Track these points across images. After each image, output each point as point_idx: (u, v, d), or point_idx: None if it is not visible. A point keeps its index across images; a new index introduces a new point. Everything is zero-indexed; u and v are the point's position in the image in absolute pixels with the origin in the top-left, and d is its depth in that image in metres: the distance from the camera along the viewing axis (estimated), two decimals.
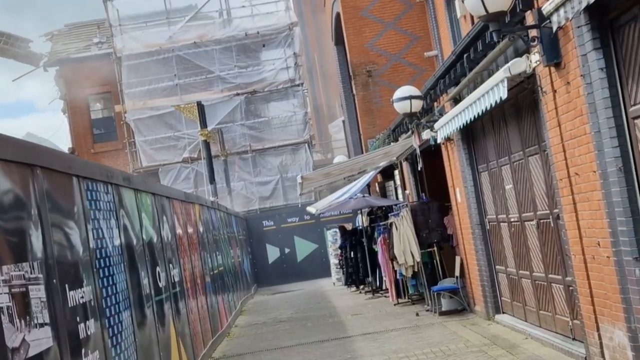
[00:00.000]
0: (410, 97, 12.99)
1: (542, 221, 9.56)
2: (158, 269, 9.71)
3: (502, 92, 8.34)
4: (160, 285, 9.72)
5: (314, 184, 17.10)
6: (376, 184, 23.50)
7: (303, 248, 29.01)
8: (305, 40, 41.95)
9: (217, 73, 30.52)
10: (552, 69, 7.83)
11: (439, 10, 22.57)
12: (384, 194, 21.97)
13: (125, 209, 8.33)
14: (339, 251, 22.86)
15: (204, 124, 23.93)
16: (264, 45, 30.91)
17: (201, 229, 14.89)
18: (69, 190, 6.37)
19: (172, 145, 30.74)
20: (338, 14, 25.62)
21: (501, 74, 8.35)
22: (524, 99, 9.43)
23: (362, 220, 22.29)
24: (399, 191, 19.63)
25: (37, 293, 5.20)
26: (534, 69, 8.34)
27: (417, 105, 13.15)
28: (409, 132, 14.60)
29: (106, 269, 7.07)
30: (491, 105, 8.87)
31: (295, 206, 29.57)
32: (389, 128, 18.75)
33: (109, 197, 7.66)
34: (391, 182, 20.97)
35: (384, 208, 19.34)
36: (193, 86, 30.29)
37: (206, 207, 16.28)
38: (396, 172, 19.63)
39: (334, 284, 24.59)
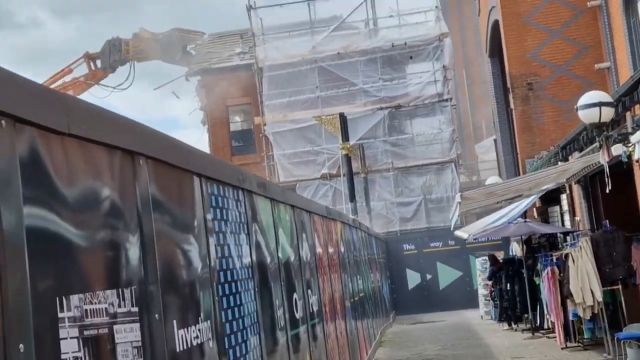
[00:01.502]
0: (600, 104, 10.80)
1: None
2: (295, 295, 8.03)
3: None
4: (297, 316, 8.04)
5: (474, 205, 15.10)
6: (534, 209, 21.08)
7: (446, 275, 26.89)
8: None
9: (360, 85, 29.00)
10: None
11: (614, 17, 20.07)
12: (545, 220, 19.57)
13: (258, 222, 6.70)
14: (490, 282, 20.60)
15: (345, 137, 22.37)
16: (411, 57, 29.14)
17: (342, 250, 13.19)
18: (186, 191, 4.77)
19: (311, 160, 29.43)
20: (496, 22, 23.47)
21: None
22: None
23: (517, 249, 20.01)
24: (566, 217, 17.24)
25: (128, 335, 3.56)
26: None
27: (608, 114, 10.95)
28: (592, 147, 12.36)
29: (232, 298, 5.42)
30: None
31: (439, 230, 27.53)
32: (557, 145, 16.47)
33: (239, 205, 6.05)
34: (555, 208, 18.57)
35: (547, 237, 17.02)
36: (335, 99, 28.88)
37: (348, 226, 14.59)
38: (563, 195, 17.27)
39: (481, 317, 22.30)
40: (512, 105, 22.47)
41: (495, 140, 27.87)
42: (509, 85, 22.38)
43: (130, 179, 3.82)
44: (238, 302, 5.59)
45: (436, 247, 27.23)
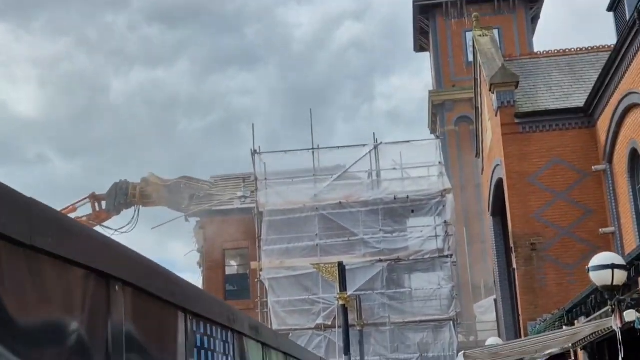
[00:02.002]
0: (613, 267, 10.33)
1: None
2: None
3: None
4: None
5: None
6: None
7: None
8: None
9: (360, 236, 28.65)
10: None
11: (619, 182, 20.01)
12: None
13: None
14: None
15: (343, 287, 21.73)
16: (412, 211, 28.97)
17: None
18: (168, 328, 4.23)
19: (306, 309, 28.62)
20: (499, 180, 23.45)
21: None
22: None
23: None
24: None
25: None
26: None
27: (621, 277, 10.46)
28: (601, 312, 11.78)
29: None
30: None
31: None
32: (562, 308, 15.88)
33: (227, 348, 5.47)
34: None
35: None
36: (334, 248, 28.46)
37: None
38: None
39: None
40: (514, 265, 22.02)
41: (495, 300, 27.21)
42: (511, 244, 22.02)
43: (103, 308, 3.30)
44: None
45: None
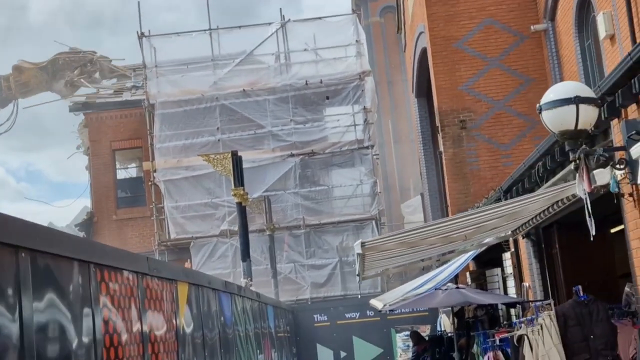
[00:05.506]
0: (578, 100, 6.89)
1: None
2: None
3: None
4: None
5: (380, 263, 10.74)
6: (467, 274, 17.13)
7: (364, 352, 22.65)
8: (379, 108, 36.07)
9: (268, 128, 24.95)
10: None
11: (563, 42, 16.70)
12: (480, 287, 15.56)
13: None
14: None
15: (239, 182, 18.15)
16: (327, 98, 25.29)
17: (188, 324, 8.80)
18: None
19: (209, 214, 25.04)
20: (423, 52, 19.89)
21: None
22: None
23: (446, 323, 16.08)
24: (510, 284, 13.29)
25: None
26: None
27: (589, 117, 7.03)
28: (556, 177, 8.44)
29: None
30: None
31: (356, 298, 23.39)
32: (499, 188, 12.62)
33: None
34: (495, 271, 14.58)
35: (486, 309, 12.99)
36: (238, 143, 24.68)
37: (210, 290, 10.22)
38: (506, 254, 13.32)
39: None
40: (441, 148, 18.70)
41: (422, 194, 24.10)
42: (437, 123, 18.64)
43: None
44: None
45: (353, 318, 23.00)
